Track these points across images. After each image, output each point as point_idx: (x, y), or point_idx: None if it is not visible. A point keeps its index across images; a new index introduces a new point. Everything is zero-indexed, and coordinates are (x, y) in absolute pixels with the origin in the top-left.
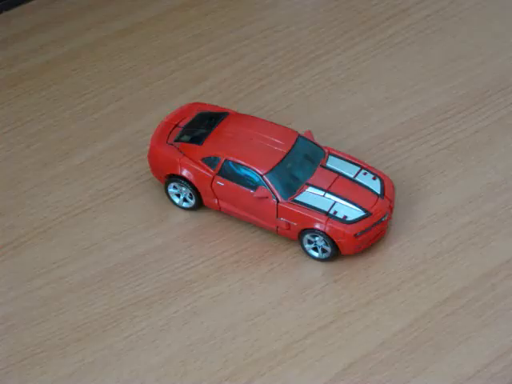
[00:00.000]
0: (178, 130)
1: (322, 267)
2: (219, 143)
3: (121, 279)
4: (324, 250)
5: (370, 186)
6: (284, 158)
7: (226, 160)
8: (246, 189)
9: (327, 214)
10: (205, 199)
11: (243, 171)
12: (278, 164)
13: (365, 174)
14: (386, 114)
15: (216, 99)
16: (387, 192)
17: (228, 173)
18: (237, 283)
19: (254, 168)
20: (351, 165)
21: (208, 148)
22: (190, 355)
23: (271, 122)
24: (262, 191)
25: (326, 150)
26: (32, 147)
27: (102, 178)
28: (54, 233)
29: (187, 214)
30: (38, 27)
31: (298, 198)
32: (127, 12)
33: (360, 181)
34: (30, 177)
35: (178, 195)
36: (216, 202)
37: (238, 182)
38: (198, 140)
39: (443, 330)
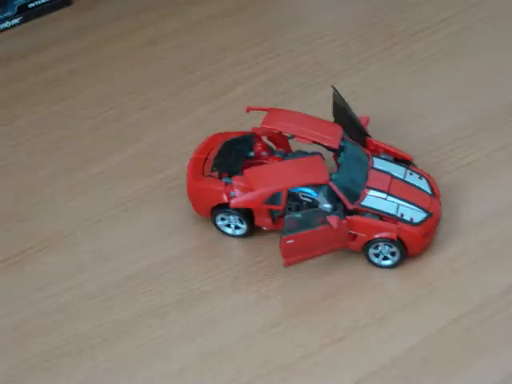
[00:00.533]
0: (209, 163)
1: (335, 281)
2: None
3: (137, 288)
4: (390, 256)
5: (421, 186)
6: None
7: (287, 190)
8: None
9: (396, 217)
10: (257, 219)
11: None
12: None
13: (411, 174)
14: (409, 130)
15: (238, 111)
16: (435, 191)
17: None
18: (252, 295)
19: (316, 182)
20: (396, 165)
21: (249, 170)
22: (203, 365)
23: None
24: (334, 219)
25: (369, 152)
26: (52, 155)
27: (121, 188)
28: (72, 240)
29: (203, 225)
30: (63, 37)
31: (363, 203)
32: (150, 24)
33: (411, 181)
34: (49, 185)
35: (228, 225)
36: (269, 220)
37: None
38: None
39: (458, 347)
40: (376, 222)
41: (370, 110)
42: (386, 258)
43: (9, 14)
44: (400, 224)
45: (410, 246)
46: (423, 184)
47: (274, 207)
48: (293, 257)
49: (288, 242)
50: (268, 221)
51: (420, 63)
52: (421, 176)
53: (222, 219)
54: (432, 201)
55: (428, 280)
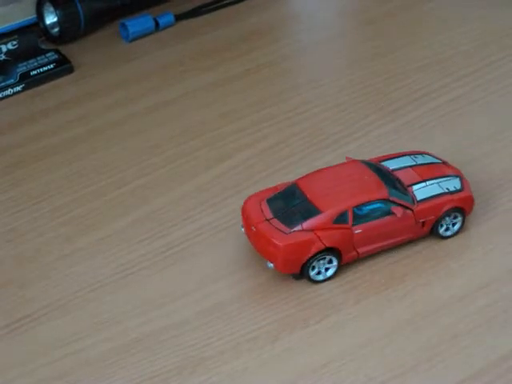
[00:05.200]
0: (275, 222)
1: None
2: (328, 201)
3: (137, 355)
4: (451, 226)
5: (432, 161)
6: (380, 178)
7: (352, 209)
8: (383, 219)
9: (447, 193)
10: (344, 257)
11: (370, 207)
12: (384, 183)
13: (415, 157)
14: None
15: (239, 177)
16: (439, 158)
17: (360, 217)
18: (254, 360)
19: (377, 197)
20: (401, 158)
21: (329, 211)
22: None
23: (331, 166)
24: (398, 209)
25: (373, 162)
26: (55, 221)
27: (123, 253)
28: (74, 306)
29: (207, 290)
30: (65, 104)
31: (418, 198)
32: (153, 91)
33: (423, 162)
34: (52, 250)
35: (319, 272)
36: (355, 253)
37: (372, 220)
38: (309, 212)
39: None
40: (435, 200)
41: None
42: (447, 229)
43: (11, 81)
44: (453, 195)
45: (468, 208)
46: (429, 158)
47: (343, 226)
48: (363, 247)
49: (356, 231)
50: (354, 253)
51: (420, 129)
52: (421, 153)
53: (313, 268)
54: (452, 167)
55: (427, 346)
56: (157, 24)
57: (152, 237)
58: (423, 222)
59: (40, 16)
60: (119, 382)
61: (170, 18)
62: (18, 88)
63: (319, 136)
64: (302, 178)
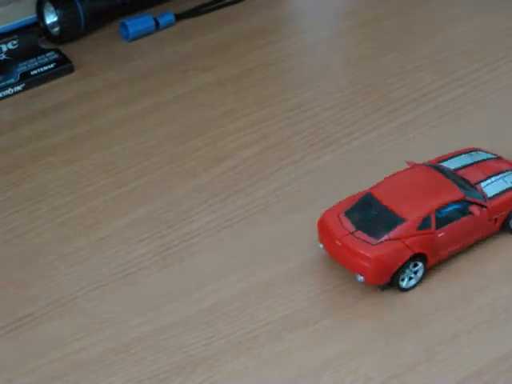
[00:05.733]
0: (359, 234)
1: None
2: (409, 208)
3: (136, 354)
4: None
5: (488, 157)
6: (449, 179)
7: (434, 213)
8: (460, 220)
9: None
10: (430, 262)
11: (449, 209)
12: (456, 184)
13: (471, 154)
14: None
15: (239, 177)
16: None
17: (441, 221)
18: (255, 359)
19: (455, 199)
20: (455, 157)
21: (413, 218)
22: None
23: (399, 172)
24: (475, 208)
25: (435, 164)
26: (55, 221)
27: (123, 253)
28: (74, 306)
29: (207, 289)
30: (65, 103)
31: (489, 195)
32: (153, 90)
33: (481, 159)
34: (52, 250)
35: (407, 279)
36: (438, 256)
37: (451, 221)
38: (392, 221)
39: None
40: (507, 195)
41: (369, 177)
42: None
43: (11, 81)
44: None
45: None
46: (484, 155)
47: (427, 231)
48: (445, 250)
49: (439, 235)
50: (437, 256)
51: (419, 129)
52: (475, 150)
53: (402, 277)
54: (504, 160)
55: (427, 346)
56: (157, 24)
57: (152, 237)
58: (495, 219)
59: (40, 15)
60: (119, 382)
61: (170, 17)
62: (18, 87)
63: (319, 135)
64: (375, 186)
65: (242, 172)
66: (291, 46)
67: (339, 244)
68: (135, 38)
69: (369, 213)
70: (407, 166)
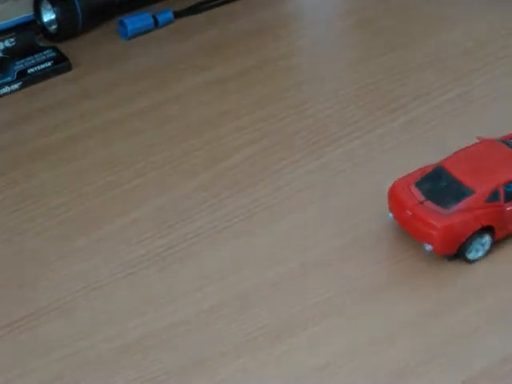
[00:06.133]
0: (428, 204)
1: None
2: (479, 180)
3: (136, 356)
4: None
5: None
6: None
7: (503, 186)
8: None
9: None
10: (497, 235)
11: None
12: None
13: None
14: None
15: (239, 177)
16: None
17: (509, 195)
18: (255, 360)
19: None
20: None
21: (482, 190)
22: None
23: (470, 146)
24: None
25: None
26: (54, 220)
27: (123, 253)
28: (74, 306)
29: (207, 290)
30: (63, 102)
31: None
32: (152, 89)
33: None
34: (51, 250)
35: (473, 251)
36: (505, 230)
37: None
38: (461, 192)
39: None
40: None
41: (369, 176)
42: None
43: (9, 79)
44: None
45: None
46: None
47: (496, 204)
48: (508, 223)
49: (508, 208)
50: (505, 230)
51: (420, 128)
52: None
53: (469, 248)
54: None
55: (428, 346)
56: (156, 21)
57: (152, 237)
58: None
59: (38, 13)
60: (119, 382)
61: (169, 15)
62: (16, 86)
63: (320, 134)
64: (446, 159)
65: (242, 172)
66: (291, 44)
67: (409, 213)
68: (133, 36)
69: (438, 184)
70: (477, 141)
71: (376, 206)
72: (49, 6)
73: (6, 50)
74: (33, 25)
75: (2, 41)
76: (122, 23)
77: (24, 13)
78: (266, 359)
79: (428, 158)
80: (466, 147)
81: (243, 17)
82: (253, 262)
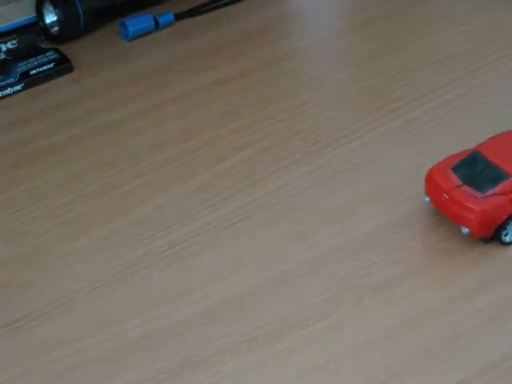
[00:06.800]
0: (465, 188)
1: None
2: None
3: (137, 355)
4: None
5: None
6: None
7: None
8: None
9: None
10: None
11: None
12: None
13: None
14: (407, 196)
15: (239, 177)
16: None
17: None
18: (254, 360)
19: None
20: None
21: None
22: None
23: (507, 132)
24: None
25: None
26: (54, 221)
27: (123, 253)
28: (74, 306)
29: (207, 289)
30: (64, 103)
31: None
32: (153, 90)
33: None
34: (51, 250)
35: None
36: None
37: None
38: (498, 176)
39: None
40: None
41: (369, 176)
42: None
43: (11, 80)
44: None
45: None
46: None
47: None
48: None
49: None
50: None
51: (420, 128)
52: None
53: (505, 231)
54: None
55: (426, 346)
56: (156, 23)
57: (152, 237)
58: None
59: (40, 15)
60: (119, 382)
61: (170, 17)
62: (18, 87)
63: (320, 135)
64: (482, 144)
65: (242, 172)
66: (291, 45)
67: (446, 197)
68: (135, 38)
69: (475, 168)
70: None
71: (377, 206)
72: (51, 8)
73: (9, 51)
74: (35, 27)
75: (5, 42)
76: (123, 25)
77: (26, 15)
78: (266, 358)
79: (428, 158)
80: (501, 133)
81: (243, 18)
82: (253, 261)
